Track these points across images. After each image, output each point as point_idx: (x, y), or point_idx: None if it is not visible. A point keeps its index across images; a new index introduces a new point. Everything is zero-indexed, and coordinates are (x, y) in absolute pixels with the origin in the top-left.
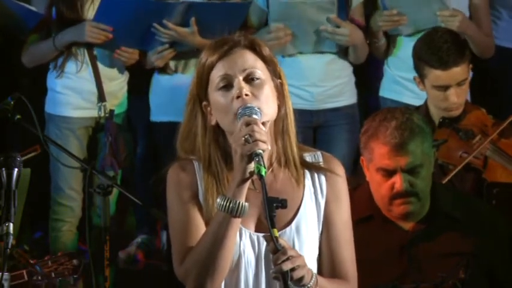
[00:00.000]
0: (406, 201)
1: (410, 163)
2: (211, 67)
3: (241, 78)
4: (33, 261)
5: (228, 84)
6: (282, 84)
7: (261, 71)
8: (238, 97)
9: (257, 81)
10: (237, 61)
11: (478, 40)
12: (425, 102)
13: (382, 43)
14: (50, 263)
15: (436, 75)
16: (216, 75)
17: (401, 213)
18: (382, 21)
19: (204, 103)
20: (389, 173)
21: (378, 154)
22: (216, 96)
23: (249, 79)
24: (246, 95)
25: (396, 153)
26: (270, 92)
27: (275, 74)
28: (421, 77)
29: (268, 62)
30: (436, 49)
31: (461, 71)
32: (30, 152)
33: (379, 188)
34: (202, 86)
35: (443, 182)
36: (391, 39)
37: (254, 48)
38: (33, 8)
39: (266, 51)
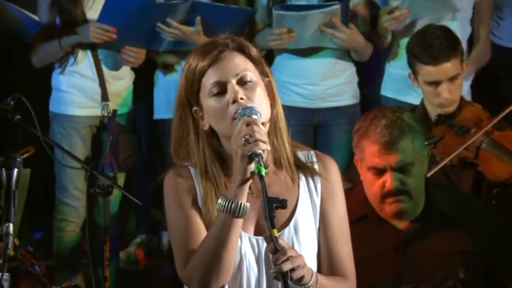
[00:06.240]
0: (397, 199)
1: (400, 161)
2: (202, 73)
3: (234, 82)
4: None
5: (221, 90)
6: (270, 82)
7: (252, 72)
8: (234, 102)
9: (249, 83)
10: (228, 66)
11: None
12: (422, 101)
13: (388, 40)
14: None
15: (427, 70)
16: (208, 82)
17: (393, 212)
18: (386, 21)
19: (195, 108)
20: (379, 172)
21: (368, 153)
22: (210, 102)
23: (242, 82)
24: (241, 98)
25: (386, 152)
26: (262, 92)
27: (263, 73)
28: (414, 73)
29: (257, 63)
30: (428, 45)
31: (452, 67)
32: (24, 153)
33: (371, 187)
34: (193, 92)
35: (428, 175)
36: (394, 37)
37: (243, 50)
38: (35, 17)
39: (254, 52)
